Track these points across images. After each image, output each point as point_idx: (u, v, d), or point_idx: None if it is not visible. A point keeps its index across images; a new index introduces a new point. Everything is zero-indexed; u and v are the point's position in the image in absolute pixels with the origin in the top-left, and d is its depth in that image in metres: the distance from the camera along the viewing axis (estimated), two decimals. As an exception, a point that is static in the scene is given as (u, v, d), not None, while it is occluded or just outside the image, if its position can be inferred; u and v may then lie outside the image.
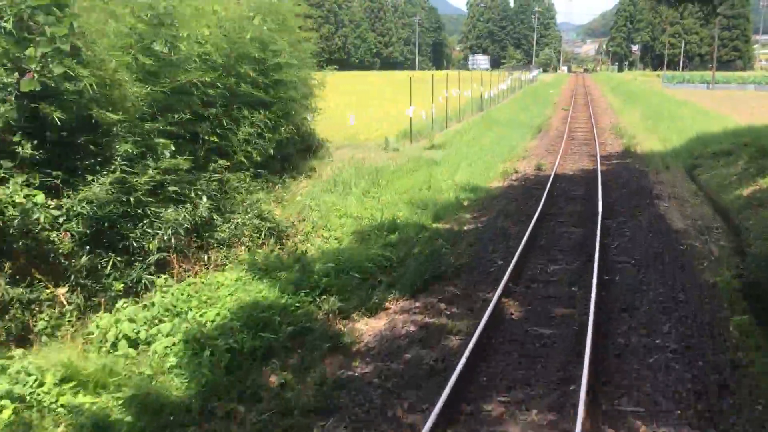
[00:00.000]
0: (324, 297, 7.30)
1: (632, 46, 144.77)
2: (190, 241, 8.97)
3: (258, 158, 11.55)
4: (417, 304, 7.69)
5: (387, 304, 7.67)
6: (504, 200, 13.48)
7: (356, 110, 31.16)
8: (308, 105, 16.60)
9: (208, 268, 8.60)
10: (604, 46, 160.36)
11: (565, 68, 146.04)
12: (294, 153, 14.31)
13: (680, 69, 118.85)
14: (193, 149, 10.13)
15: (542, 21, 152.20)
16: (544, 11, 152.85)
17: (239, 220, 9.83)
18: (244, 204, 10.47)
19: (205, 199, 9.34)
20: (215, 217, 9.48)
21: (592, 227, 10.93)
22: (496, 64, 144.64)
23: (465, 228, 11.47)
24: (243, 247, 9.58)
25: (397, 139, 20.92)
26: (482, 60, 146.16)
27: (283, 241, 10.69)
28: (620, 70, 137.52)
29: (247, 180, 11.30)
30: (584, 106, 40.54)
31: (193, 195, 9.26)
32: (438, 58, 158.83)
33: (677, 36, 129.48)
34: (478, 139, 22.25)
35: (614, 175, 16.27)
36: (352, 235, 10.94)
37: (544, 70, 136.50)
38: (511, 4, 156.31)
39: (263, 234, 10.09)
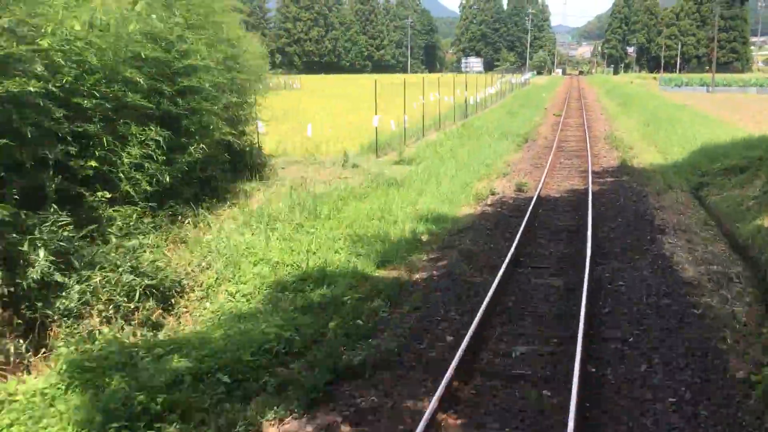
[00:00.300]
0: (156, 427, 4.71)
1: (627, 48, 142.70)
2: (12, 317, 6.40)
3: (147, 187, 8.96)
4: (309, 429, 5.12)
5: (265, 429, 5.10)
6: (471, 235, 10.92)
7: (329, 118, 28.72)
8: (245, 116, 14.05)
9: (25, 362, 6.02)
10: (600, 49, 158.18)
11: (559, 71, 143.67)
12: (218, 175, 11.72)
13: (677, 71, 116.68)
14: (42, 181, 7.56)
15: (536, 23, 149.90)
16: (537, 13, 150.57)
17: (98, 278, 7.25)
18: (117, 252, 7.91)
19: (42, 253, 6.77)
20: (59, 277, 6.90)
21: (578, 279, 8.40)
22: (489, 66, 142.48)
23: (416, 277, 8.91)
24: (99, 318, 7.01)
25: (361, 153, 18.39)
26: (475, 63, 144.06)
27: (172, 301, 8.14)
28: (616, 72, 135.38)
29: (134, 217, 8.75)
30: (577, 110, 38.11)
31: (25, 249, 6.70)
32: (431, 61, 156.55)
33: (673, 38, 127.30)
34: (455, 152, 19.71)
35: (608, 198, 13.75)
36: (268, 290, 8.40)
37: (539, 73, 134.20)
38: (505, 6, 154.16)
39: (138, 295, 7.53)
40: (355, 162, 16.57)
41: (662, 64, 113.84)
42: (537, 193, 13.78)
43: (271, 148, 16.98)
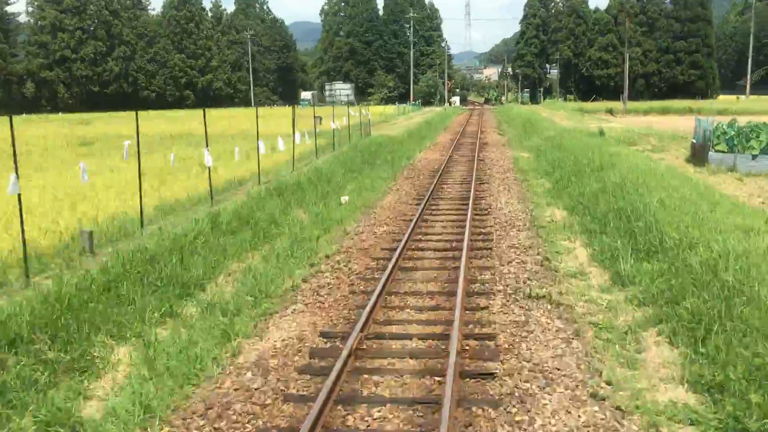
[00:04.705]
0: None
1: (547, 66, 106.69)
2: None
3: None
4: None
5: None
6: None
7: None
8: None
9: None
10: (510, 69, 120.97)
11: (456, 99, 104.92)
12: None
13: (625, 95, 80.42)
14: None
15: (422, 33, 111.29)
16: (423, 19, 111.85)
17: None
18: None
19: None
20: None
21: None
22: (362, 93, 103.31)
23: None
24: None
25: None
26: (344, 89, 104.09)
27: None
28: (534, 99, 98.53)
29: None
30: None
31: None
32: (288, 89, 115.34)
33: (611, 49, 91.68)
34: None
35: None
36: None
37: (427, 102, 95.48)
38: (381, 12, 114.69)
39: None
40: None
41: (626, 87, 75.10)
42: None
43: None
